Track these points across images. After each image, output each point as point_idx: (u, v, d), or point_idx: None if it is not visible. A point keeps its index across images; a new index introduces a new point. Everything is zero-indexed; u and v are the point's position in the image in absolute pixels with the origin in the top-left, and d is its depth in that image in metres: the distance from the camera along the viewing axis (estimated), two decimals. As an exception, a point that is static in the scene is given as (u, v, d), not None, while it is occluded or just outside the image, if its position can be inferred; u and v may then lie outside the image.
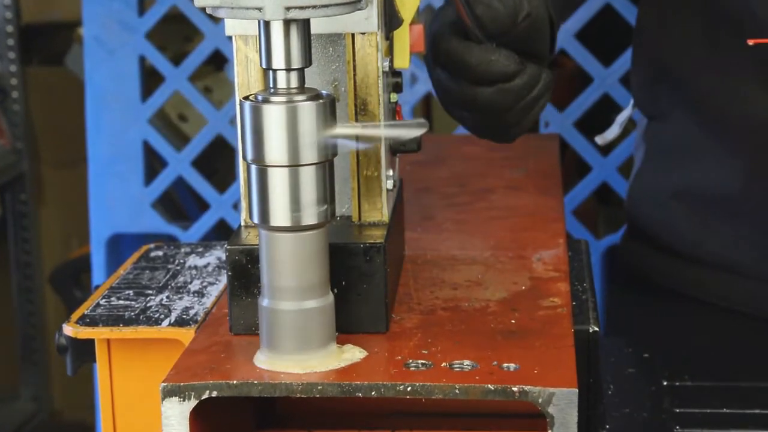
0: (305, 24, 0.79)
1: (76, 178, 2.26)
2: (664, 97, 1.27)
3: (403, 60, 0.94)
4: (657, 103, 1.29)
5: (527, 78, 1.01)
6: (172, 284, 0.99)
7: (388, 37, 0.93)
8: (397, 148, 0.94)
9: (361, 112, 0.89)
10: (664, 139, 1.29)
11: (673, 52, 1.25)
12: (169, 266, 1.03)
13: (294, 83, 0.79)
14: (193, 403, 0.79)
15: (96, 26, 1.83)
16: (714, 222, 1.24)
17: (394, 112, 0.95)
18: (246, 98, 0.80)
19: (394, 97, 0.94)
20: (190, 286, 0.99)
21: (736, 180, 1.21)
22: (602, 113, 1.73)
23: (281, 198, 0.79)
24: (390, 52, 0.94)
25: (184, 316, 0.92)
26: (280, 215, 0.80)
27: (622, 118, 1.36)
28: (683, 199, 1.26)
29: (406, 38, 0.94)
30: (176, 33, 2.21)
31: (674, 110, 1.26)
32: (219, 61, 2.14)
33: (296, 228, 0.80)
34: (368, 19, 0.87)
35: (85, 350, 0.94)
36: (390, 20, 0.92)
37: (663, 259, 1.30)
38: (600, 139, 1.38)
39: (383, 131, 0.89)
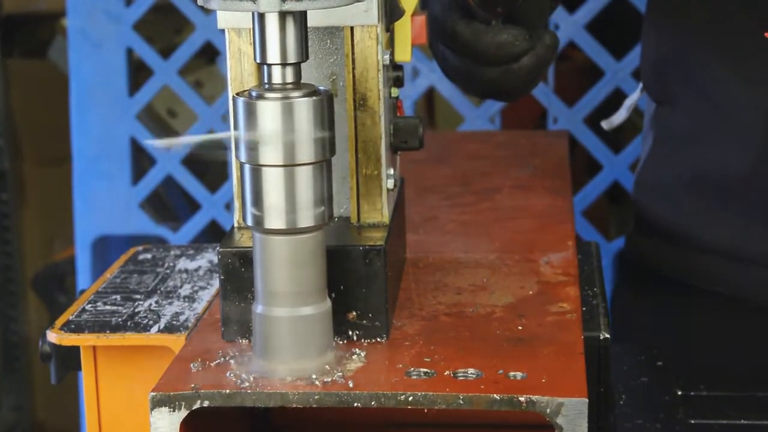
0: (302, 16, 0.79)
1: (60, 176, 2.27)
2: (674, 83, 1.29)
3: (404, 53, 0.95)
4: (666, 89, 1.31)
5: (535, 59, 1.03)
6: (162, 288, 0.99)
7: (389, 29, 0.93)
8: (398, 146, 0.95)
9: (361, 107, 0.89)
10: (672, 125, 1.31)
11: (685, 41, 1.26)
12: (158, 270, 1.03)
13: (290, 78, 0.80)
14: (183, 413, 0.79)
15: (81, 17, 1.84)
16: (722, 209, 1.26)
17: (395, 108, 0.95)
18: (239, 94, 0.80)
19: (395, 91, 0.95)
20: (180, 290, 0.99)
21: (744, 165, 1.22)
22: (614, 109, 1.74)
23: (276, 199, 0.79)
24: (391, 44, 0.94)
25: (174, 322, 0.92)
26: (274, 217, 0.80)
27: (629, 101, 1.39)
28: (690, 186, 1.28)
29: (407, 30, 0.95)
30: (165, 24, 2.22)
31: (683, 96, 1.28)
32: (210, 54, 2.15)
33: (292, 231, 0.80)
34: (368, 11, 0.88)
35: (69, 358, 0.94)
36: (391, 11, 0.92)
37: (671, 249, 1.32)
38: (606, 124, 1.40)
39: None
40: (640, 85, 1.37)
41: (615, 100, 1.77)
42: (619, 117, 1.39)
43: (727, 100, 1.24)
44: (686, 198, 1.29)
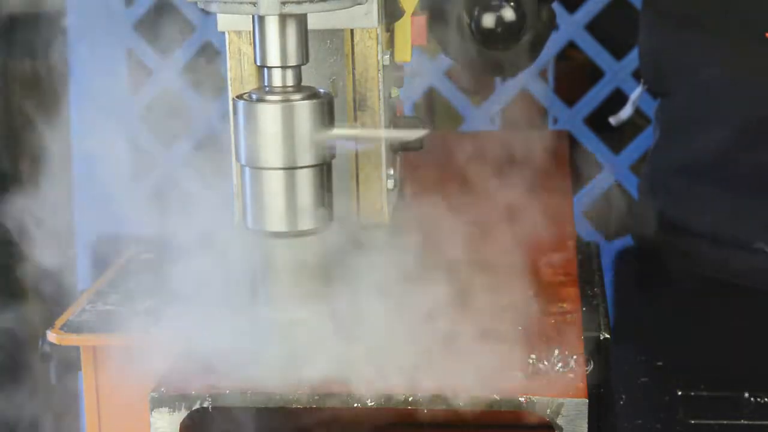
0: (302, 19, 0.79)
1: (59, 176, 2.26)
2: (669, 74, 1.31)
3: (404, 53, 0.95)
4: (662, 80, 1.33)
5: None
6: (162, 288, 0.99)
7: (389, 29, 0.93)
8: (398, 147, 0.95)
9: (361, 107, 0.90)
10: (668, 116, 1.34)
11: (683, 35, 1.28)
12: (158, 269, 1.03)
13: (290, 81, 0.80)
14: (183, 414, 0.79)
15: (81, 17, 1.84)
16: (708, 193, 1.27)
17: (394, 108, 0.96)
18: (240, 97, 0.80)
19: (395, 92, 0.95)
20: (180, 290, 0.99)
21: (727, 148, 1.24)
22: (615, 108, 1.74)
23: (277, 202, 0.79)
24: (391, 44, 0.94)
25: (174, 323, 0.92)
26: (275, 220, 0.80)
27: (634, 96, 1.40)
28: (681, 173, 1.29)
29: (407, 31, 0.95)
30: (165, 24, 2.21)
31: (678, 87, 1.30)
32: (210, 54, 2.14)
33: (293, 233, 0.80)
34: (368, 14, 0.88)
35: (69, 358, 0.94)
36: (391, 12, 0.92)
37: (667, 238, 1.33)
38: (614, 120, 1.41)
39: (384, 133, 0.89)
40: (642, 80, 1.39)
41: (615, 100, 1.77)
42: (626, 112, 1.41)
43: (721, 95, 1.25)
44: (678, 185, 1.30)
